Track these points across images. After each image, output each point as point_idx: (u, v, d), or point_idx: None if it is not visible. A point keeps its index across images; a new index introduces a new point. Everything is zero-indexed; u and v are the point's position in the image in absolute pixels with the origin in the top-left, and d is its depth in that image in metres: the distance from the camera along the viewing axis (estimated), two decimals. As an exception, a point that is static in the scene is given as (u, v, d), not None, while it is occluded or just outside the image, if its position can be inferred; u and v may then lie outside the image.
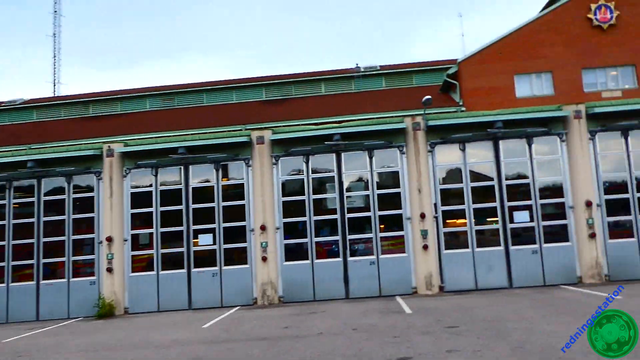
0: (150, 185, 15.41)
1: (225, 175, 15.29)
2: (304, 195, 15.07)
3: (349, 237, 14.81)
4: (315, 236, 14.86)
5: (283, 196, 15.09)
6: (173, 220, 15.29)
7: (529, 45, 23.27)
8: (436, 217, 14.74)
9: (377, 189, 14.98)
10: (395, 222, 15.00)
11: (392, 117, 17.36)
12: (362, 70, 30.03)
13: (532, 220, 14.71)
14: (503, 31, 23.86)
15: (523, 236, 14.73)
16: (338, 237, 14.85)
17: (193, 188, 15.39)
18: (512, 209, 14.80)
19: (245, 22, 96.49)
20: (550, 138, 14.99)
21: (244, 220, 15.02)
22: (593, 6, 22.69)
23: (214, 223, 15.06)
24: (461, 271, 14.55)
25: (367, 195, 15.03)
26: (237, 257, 15.08)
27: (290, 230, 15.08)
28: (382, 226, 14.85)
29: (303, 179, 15.15)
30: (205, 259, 15.10)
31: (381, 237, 14.78)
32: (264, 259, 14.50)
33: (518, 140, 14.99)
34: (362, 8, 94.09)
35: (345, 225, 14.83)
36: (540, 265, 14.45)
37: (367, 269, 14.63)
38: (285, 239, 14.89)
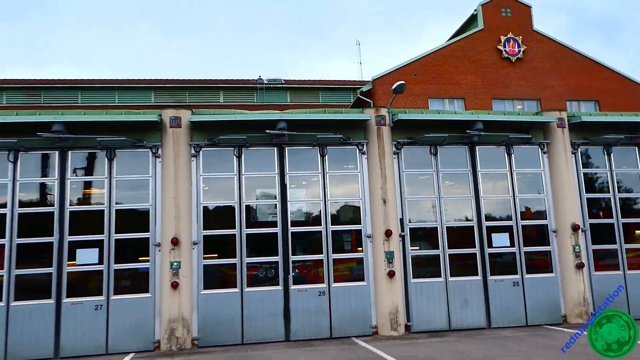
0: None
1: (124, 167, 12.58)
2: (233, 199, 12.86)
3: (292, 257, 12.80)
4: (248, 256, 12.64)
5: (204, 200, 12.76)
6: (38, 227, 12.14)
7: (442, 70, 24.63)
8: (403, 236, 13.39)
9: (331, 196, 13.33)
10: (352, 240, 13.37)
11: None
12: (266, 82, 30.41)
13: (512, 244, 14.02)
14: (405, 58, 25.21)
15: (503, 264, 13.92)
16: (278, 258, 12.75)
17: (72, 183, 12.45)
18: (491, 230, 14.01)
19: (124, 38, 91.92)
20: (531, 149, 14.62)
21: (147, 230, 12.33)
22: (503, 38, 24.68)
23: (102, 233, 12.16)
24: (432, 306, 13.20)
25: (318, 204, 13.29)
26: (135, 282, 12.23)
27: (213, 247, 12.68)
28: (336, 246, 13.13)
29: (233, 179, 12.98)
30: (86, 284, 12.06)
31: (334, 260, 12.98)
32: (175, 285, 11.89)
33: (496, 149, 14.37)
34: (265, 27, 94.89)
35: (288, 243, 12.83)
36: (522, 300, 13.62)
37: (314, 300, 12.65)
38: (205, 258, 12.49)
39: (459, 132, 13.93)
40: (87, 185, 12.60)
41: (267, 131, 12.64)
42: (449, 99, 24.96)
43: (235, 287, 12.42)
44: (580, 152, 14.79)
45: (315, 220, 13.19)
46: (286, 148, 13.27)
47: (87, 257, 12.04)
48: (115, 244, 12.15)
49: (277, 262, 12.72)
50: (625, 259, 14.43)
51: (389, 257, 12.91)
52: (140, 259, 12.27)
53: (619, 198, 14.78)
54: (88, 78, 31.02)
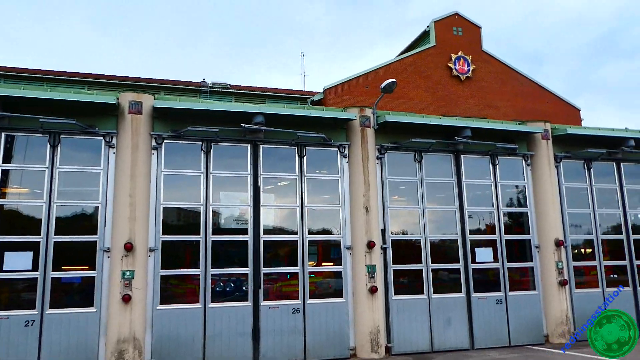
0: None
1: (70, 156, 10.56)
2: (199, 201, 11.15)
3: (263, 269, 11.22)
4: (213, 266, 10.94)
5: (165, 200, 10.96)
6: (-44, 225, 9.88)
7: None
8: (384, 249, 12.14)
9: (308, 202, 11.88)
10: (330, 252, 11.96)
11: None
12: (210, 85, 28.76)
13: (495, 260, 13.12)
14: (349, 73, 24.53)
15: (485, 280, 12.98)
16: (247, 270, 11.11)
17: (2, 171, 10.28)
18: (474, 244, 13.05)
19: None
20: (516, 160, 13.86)
21: (94, 232, 10.38)
22: (453, 56, 24.61)
23: (38, 234, 10.10)
24: (414, 325, 11.98)
25: (294, 211, 11.80)
26: (77, 294, 10.24)
27: (172, 255, 10.89)
28: (312, 257, 11.68)
29: (199, 177, 11.27)
30: (15, 296, 9.93)
31: (310, 273, 11.55)
32: (126, 298, 9.97)
33: (481, 158, 13.49)
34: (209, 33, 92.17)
35: (260, 253, 11.24)
36: (505, 319, 12.70)
37: (288, 319, 11.11)
38: (163, 267, 10.66)
39: (445, 139, 12.93)
40: (23, 175, 10.47)
41: (243, 125, 11.03)
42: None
43: (197, 302, 10.68)
44: (563, 166, 14.22)
45: (290, 228, 11.70)
46: (261, 146, 11.71)
47: (17, 262, 9.93)
48: (54, 246, 10.10)
49: (246, 275, 11.09)
50: (604, 276, 13.94)
51: (371, 271, 11.60)
52: (84, 265, 10.29)
53: (598, 214, 14.32)
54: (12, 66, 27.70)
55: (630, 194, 14.73)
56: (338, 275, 11.71)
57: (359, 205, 11.89)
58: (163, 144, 11.06)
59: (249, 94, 30.64)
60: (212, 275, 10.85)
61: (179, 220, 11.15)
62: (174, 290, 10.73)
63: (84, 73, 28.51)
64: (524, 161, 13.84)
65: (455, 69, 24.70)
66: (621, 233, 14.44)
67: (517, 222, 13.67)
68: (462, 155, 13.23)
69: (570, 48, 70.49)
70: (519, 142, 13.82)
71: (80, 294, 10.20)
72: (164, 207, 10.87)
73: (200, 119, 11.18)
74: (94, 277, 10.19)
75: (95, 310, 10.07)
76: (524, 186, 13.75)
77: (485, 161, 13.52)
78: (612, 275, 14.18)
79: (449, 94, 24.81)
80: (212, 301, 10.73)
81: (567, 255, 13.59)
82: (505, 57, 26.54)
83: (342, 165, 12.22)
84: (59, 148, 10.45)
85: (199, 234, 10.95)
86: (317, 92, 23.16)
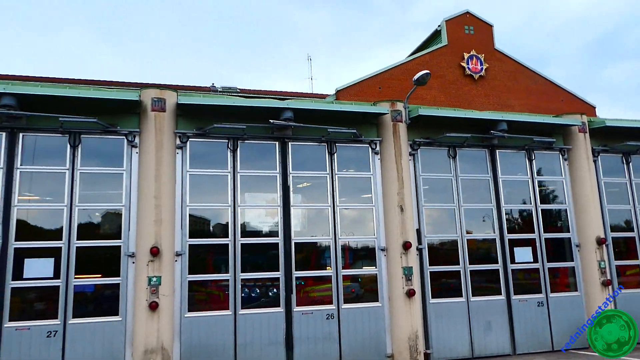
0: None
1: (91, 156, 9.99)
2: (226, 202, 10.56)
3: (295, 273, 10.62)
4: (243, 271, 10.34)
5: (191, 201, 10.37)
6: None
7: (406, 85, 23.19)
8: (420, 250, 11.51)
9: (340, 202, 11.26)
10: (365, 254, 11.34)
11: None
12: (220, 89, 28.05)
13: (535, 260, 12.45)
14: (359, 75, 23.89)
15: (526, 281, 12.31)
16: (279, 274, 10.52)
17: (22, 173, 9.71)
18: (513, 243, 12.39)
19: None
20: (552, 154, 13.21)
21: (118, 237, 9.81)
22: (466, 55, 23.93)
23: (60, 240, 9.53)
24: (453, 330, 11.32)
25: (326, 211, 11.19)
26: (101, 302, 9.65)
27: (200, 260, 10.31)
28: (345, 260, 11.06)
29: (226, 176, 10.68)
30: (36, 305, 9.36)
31: (344, 276, 10.91)
32: (153, 306, 9.39)
33: (517, 153, 12.86)
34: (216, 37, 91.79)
35: (291, 256, 10.63)
36: (547, 322, 12.01)
37: (322, 325, 10.49)
38: (190, 273, 10.06)
39: (480, 133, 12.29)
40: (42, 178, 9.90)
41: (272, 121, 10.43)
42: (415, 114, 23.88)
43: (227, 308, 10.07)
44: (601, 160, 13.55)
45: (323, 229, 11.08)
46: (290, 143, 11.11)
47: (38, 270, 9.36)
48: (76, 253, 9.54)
49: (278, 279, 10.48)
50: (647, 276, 13.24)
51: (407, 273, 10.97)
52: (108, 272, 9.70)
53: (639, 210, 13.63)
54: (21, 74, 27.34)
55: (671, 189, 14.04)
56: (373, 278, 11.08)
57: (393, 204, 11.26)
58: (188, 143, 10.48)
59: (259, 98, 30.11)
60: (242, 280, 10.25)
61: (206, 223, 10.55)
62: (202, 297, 10.13)
63: (93, 80, 28.17)
64: (560, 155, 13.17)
65: (468, 67, 24.04)
66: (663, 230, 13.75)
67: (556, 220, 13.00)
68: (497, 150, 12.59)
69: (574, 49, 69.82)
70: (556, 136, 13.16)
71: (104, 302, 9.61)
72: (190, 209, 10.29)
73: (226, 116, 10.59)
74: (118, 284, 9.61)
75: (120, 319, 9.48)
76: (562, 182, 13.07)
77: (521, 156, 12.87)
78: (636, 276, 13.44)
79: (462, 93, 24.12)
80: (242, 307, 10.12)
81: (609, 254, 12.90)
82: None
83: (373, 162, 11.60)
84: (79, 148, 9.90)
85: (228, 237, 10.35)
86: (327, 95, 22.55)
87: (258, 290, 10.46)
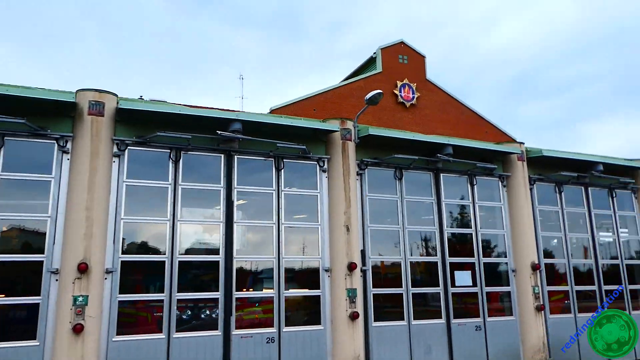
0: None
1: (15, 161, 8.98)
2: (165, 216, 9.86)
3: (235, 294, 10.05)
4: (179, 290, 9.65)
5: (126, 214, 9.58)
6: None
7: (341, 108, 23.90)
8: (364, 271, 11.29)
9: (285, 219, 10.85)
10: (308, 275, 10.94)
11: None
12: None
13: (474, 284, 12.59)
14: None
15: (464, 305, 12.40)
16: (218, 294, 9.92)
17: None
18: (454, 267, 12.46)
19: None
20: (493, 181, 13.49)
21: (41, 252, 8.86)
22: (399, 83, 24.70)
23: (-29, 252, 8.45)
24: (395, 354, 11.15)
25: (270, 229, 10.72)
26: (15, 324, 8.62)
27: (133, 278, 9.51)
28: (288, 281, 10.61)
29: (167, 189, 9.99)
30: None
31: (286, 298, 10.47)
32: (78, 328, 8.50)
33: (459, 178, 13.03)
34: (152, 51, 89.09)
35: (232, 275, 10.06)
36: (484, 346, 12.13)
37: (262, 349, 9.96)
38: (121, 292, 9.24)
39: (426, 156, 12.35)
40: (-45, 183, 8.79)
41: (219, 132, 9.90)
42: (349, 139, 24.09)
43: (160, 331, 9.34)
44: (537, 188, 14.01)
45: (264, 248, 10.61)
46: (236, 156, 10.61)
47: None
48: (-10, 268, 8.51)
49: (216, 300, 9.88)
50: (576, 301, 13.73)
51: (352, 295, 10.70)
52: (24, 290, 8.71)
53: (569, 238, 14.19)
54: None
55: (597, 219, 14.75)
56: (316, 300, 10.72)
57: (339, 224, 11.00)
58: (126, 151, 9.73)
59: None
60: (178, 300, 9.56)
61: (142, 238, 9.79)
62: (133, 319, 9.34)
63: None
64: (500, 182, 13.49)
65: (400, 95, 24.58)
66: (590, 258, 14.38)
67: (494, 245, 13.25)
68: (441, 174, 12.70)
69: (491, 85, 73.85)
70: (496, 163, 13.48)
71: (27, 323, 8.61)
72: (125, 222, 9.51)
73: (169, 125, 9.95)
74: (37, 304, 8.65)
75: (38, 343, 8.52)
76: (501, 208, 13.37)
77: (463, 181, 13.06)
78: (566, 302, 13.91)
79: (394, 120, 24.59)
80: (177, 330, 9.43)
81: (542, 280, 13.29)
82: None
83: (321, 181, 11.32)
84: (1, 151, 8.90)
85: (165, 254, 9.65)
86: (260, 114, 22.31)
87: (195, 312, 9.80)
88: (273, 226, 10.67)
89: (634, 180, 15.35)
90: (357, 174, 11.68)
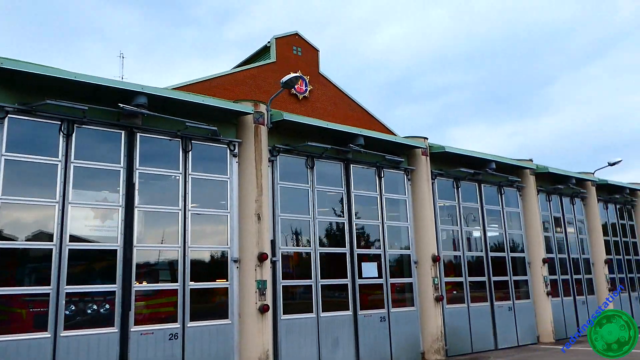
0: None
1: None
2: (54, 198, 8.48)
3: (135, 287, 8.97)
4: (69, 283, 8.37)
5: (5, 194, 8.07)
6: None
7: (233, 95, 23.29)
8: (274, 262, 10.77)
9: (192, 205, 9.99)
10: (215, 266, 10.17)
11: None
12: None
13: (380, 275, 12.63)
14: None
15: (370, 296, 12.38)
16: (115, 286, 8.78)
17: None
18: (361, 258, 12.39)
19: None
20: (398, 174, 13.66)
21: None
22: (292, 75, 25.01)
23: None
24: (303, 347, 10.74)
25: (175, 215, 9.78)
26: None
27: (11, 268, 8.10)
28: (194, 272, 9.75)
29: (56, 166, 8.63)
30: None
31: (191, 290, 9.62)
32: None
33: (368, 169, 13.01)
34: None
35: (132, 265, 8.96)
36: (387, 337, 12.18)
37: (164, 347, 8.98)
38: (-3, 284, 7.81)
39: (338, 146, 12.15)
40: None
41: (122, 105, 8.81)
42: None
43: (45, 330, 8.07)
44: (437, 183, 14.48)
45: (168, 236, 9.69)
46: (138, 134, 9.55)
47: None
48: None
49: (113, 293, 8.79)
50: (469, 292, 14.40)
51: (262, 287, 10.14)
52: None
53: (465, 231, 14.87)
54: None
55: (488, 214, 15.62)
56: (223, 292, 10.02)
57: (250, 212, 10.39)
58: (6, 120, 8.29)
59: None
60: (68, 294, 8.34)
61: (23, 222, 8.41)
62: (10, 316, 7.98)
63: None
64: (405, 175, 13.73)
65: (293, 87, 24.47)
66: (482, 251, 15.18)
67: (398, 237, 13.44)
68: (351, 165, 12.59)
69: (370, 87, 77.38)
70: (402, 157, 13.69)
71: None
72: (2, 203, 8.09)
73: (60, 93, 8.67)
74: None
75: None
76: (405, 200, 13.61)
77: (371, 172, 13.08)
78: (454, 292, 14.60)
79: (286, 111, 24.11)
80: (65, 328, 8.22)
81: (440, 271, 13.74)
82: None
83: (231, 165, 10.62)
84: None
85: (52, 241, 8.38)
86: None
87: (87, 307, 8.63)
88: (178, 212, 9.79)
89: (520, 179, 16.53)
90: (269, 161, 11.16)
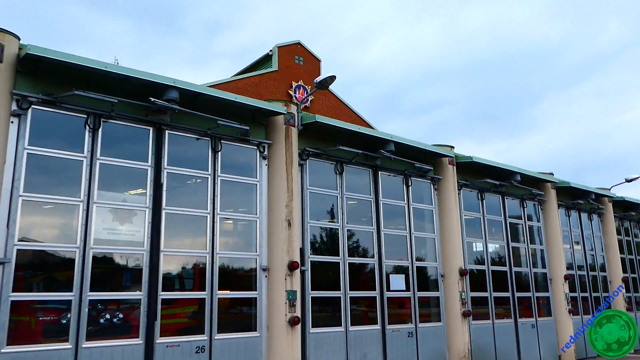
0: None
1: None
2: (78, 197, 7.84)
3: (161, 294, 8.31)
4: (92, 289, 7.70)
5: (26, 191, 7.41)
6: None
7: None
8: (303, 271, 10.14)
9: (221, 209, 9.34)
10: (242, 274, 9.52)
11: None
12: None
13: (408, 288, 12.03)
14: None
15: (398, 310, 11.77)
16: (141, 294, 8.06)
17: None
18: (389, 270, 11.78)
19: None
20: (425, 183, 13.15)
21: None
22: (294, 84, 24.65)
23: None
24: (331, 363, 10.16)
25: (204, 219, 9.08)
26: None
27: (31, 272, 7.41)
28: (222, 280, 9.08)
29: (82, 162, 7.92)
30: None
31: (219, 300, 8.95)
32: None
33: (395, 177, 12.49)
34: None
35: (159, 271, 8.26)
36: (415, 353, 11.62)
37: (190, 361, 8.38)
38: (15, 290, 7.06)
39: (368, 151, 11.60)
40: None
41: (152, 100, 8.20)
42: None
43: (66, 340, 7.37)
44: (462, 193, 13.98)
45: (198, 241, 9.05)
46: (167, 131, 8.94)
47: None
48: None
49: (138, 301, 8.11)
50: (494, 307, 13.84)
51: (292, 298, 9.50)
52: None
53: (489, 244, 14.34)
54: None
55: (511, 227, 15.12)
56: (252, 302, 9.37)
57: (280, 218, 9.79)
58: (29, 110, 7.65)
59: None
60: (91, 301, 7.66)
61: (46, 222, 7.74)
62: (30, 325, 7.28)
63: None
64: (432, 185, 13.21)
65: (295, 96, 24.10)
66: (505, 265, 14.65)
67: (425, 248, 12.88)
68: (379, 172, 12.05)
69: (361, 101, 77.60)
70: (429, 165, 13.17)
71: None
72: (23, 201, 7.41)
73: (89, 84, 8.05)
74: None
75: None
76: (432, 211, 13.07)
77: (399, 181, 12.55)
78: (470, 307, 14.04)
79: None
80: (87, 339, 7.52)
81: (466, 286, 13.17)
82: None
83: (261, 168, 10.03)
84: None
85: (75, 243, 7.71)
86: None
87: (109, 316, 7.95)
88: (207, 216, 9.15)
89: (542, 193, 16.09)
90: (299, 164, 10.58)
